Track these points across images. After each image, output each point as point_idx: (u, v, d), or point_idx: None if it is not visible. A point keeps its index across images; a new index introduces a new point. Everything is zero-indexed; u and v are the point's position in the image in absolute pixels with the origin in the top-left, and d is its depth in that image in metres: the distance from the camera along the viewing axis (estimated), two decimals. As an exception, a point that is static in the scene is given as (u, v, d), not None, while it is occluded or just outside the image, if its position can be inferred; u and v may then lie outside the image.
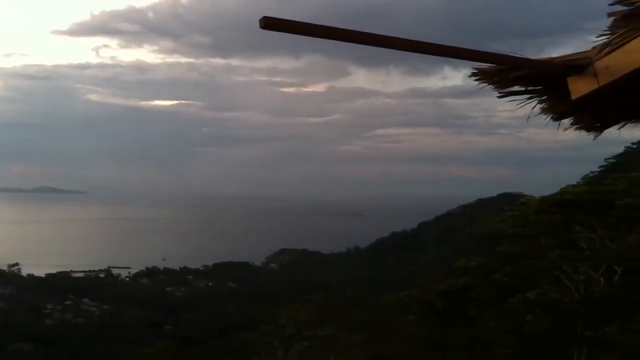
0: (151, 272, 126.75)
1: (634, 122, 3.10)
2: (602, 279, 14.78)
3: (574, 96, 2.62)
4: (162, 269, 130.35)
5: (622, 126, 3.11)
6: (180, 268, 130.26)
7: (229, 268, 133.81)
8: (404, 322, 18.60)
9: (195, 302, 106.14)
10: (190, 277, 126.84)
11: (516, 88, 2.87)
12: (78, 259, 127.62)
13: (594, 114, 2.97)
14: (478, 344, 15.81)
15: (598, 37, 2.62)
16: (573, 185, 24.06)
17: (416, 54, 2.51)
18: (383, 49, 2.48)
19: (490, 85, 2.85)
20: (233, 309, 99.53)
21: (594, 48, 2.63)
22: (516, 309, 15.53)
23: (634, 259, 14.84)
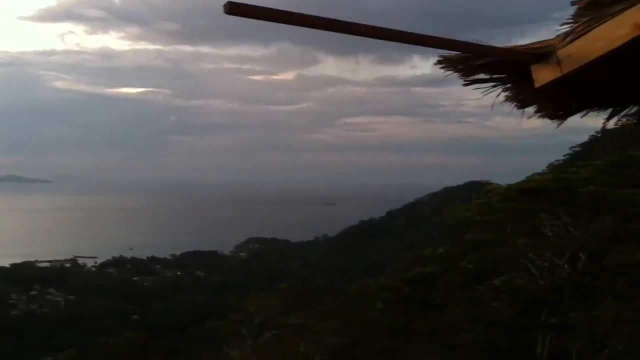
0: (118, 262, 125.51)
1: (596, 110, 3.13)
2: (566, 266, 15.01)
3: (537, 84, 2.63)
4: (129, 258, 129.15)
5: (585, 114, 3.14)
6: (147, 257, 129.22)
7: (197, 257, 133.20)
8: (372, 309, 18.69)
9: (163, 291, 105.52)
10: (158, 266, 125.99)
11: (481, 76, 2.88)
12: (43, 249, 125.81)
13: (557, 102, 2.99)
14: (444, 330, 15.98)
15: (562, 25, 2.63)
16: (538, 174, 24.33)
17: (385, 43, 2.51)
18: (352, 37, 2.46)
19: (456, 73, 2.86)
20: (201, 299, 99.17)
21: (557, 36, 2.64)
22: (482, 296, 15.71)
23: (597, 245, 15.10)
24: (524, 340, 16.47)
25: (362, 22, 2.46)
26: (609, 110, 3.16)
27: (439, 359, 17.30)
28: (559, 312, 14.69)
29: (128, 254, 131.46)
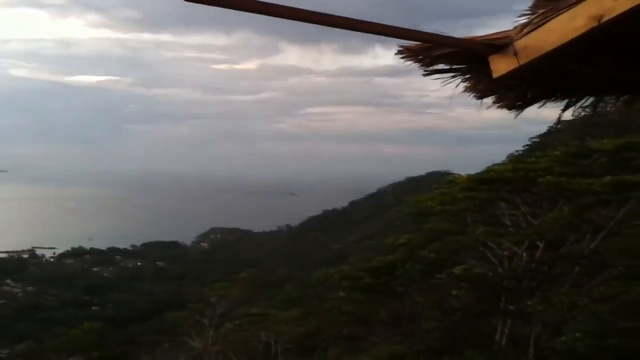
0: (77, 253, 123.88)
1: (553, 100, 3.19)
2: (524, 254, 15.26)
3: (495, 75, 2.67)
4: (88, 249, 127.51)
5: (542, 105, 3.19)
6: (107, 248, 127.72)
7: (158, 248, 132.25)
8: (334, 298, 18.79)
9: (123, 282, 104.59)
10: (117, 257, 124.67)
11: (441, 66, 2.90)
12: (0, 240, 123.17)
13: (514, 93, 3.03)
14: (405, 318, 16.13)
15: (519, 16, 2.67)
16: (498, 164, 24.64)
17: (347, 32, 2.51)
18: (314, 26, 2.46)
19: (416, 63, 2.88)
20: (162, 289, 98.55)
21: (515, 28, 2.68)
22: (443, 284, 15.89)
23: (554, 234, 15.40)
24: (483, 327, 16.74)
25: (323, 11, 2.45)
26: (566, 101, 3.21)
27: (399, 345, 17.48)
28: (517, 299, 14.94)
29: (87, 245, 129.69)
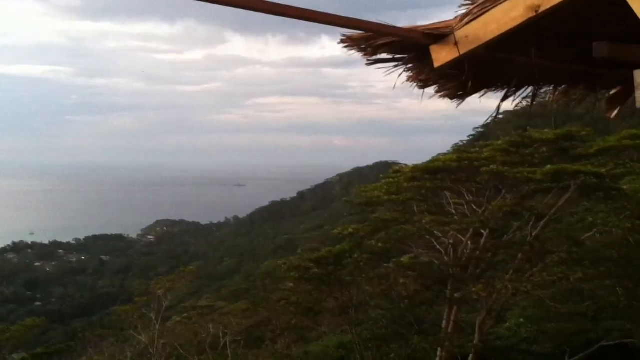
0: (18, 247, 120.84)
1: (494, 90, 3.24)
2: (469, 242, 15.52)
3: (436, 64, 2.69)
4: (29, 243, 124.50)
5: (483, 94, 3.24)
6: (50, 242, 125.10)
7: (102, 241, 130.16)
8: (282, 289, 18.78)
9: (66, 277, 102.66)
10: (61, 251, 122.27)
11: (383, 56, 2.91)
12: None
13: (456, 82, 3.07)
14: (353, 307, 16.25)
15: (460, 7, 2.70)
16: (444, 154, 25.00)
17: (293, 23, 2.52)
18: (260, 16, 2.44)
19: (359, 53, 2.88)
20: (107, 283, 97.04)
21: (455, 18, 2.70)
22: (390, 273, 16.04)
23: (497, 222, 15.71)
24: (429, 314, 16.99)
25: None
26: (505, 91, 3.27)
27: (347, 334, 17.60)
28: (462, 286, 15.20)
29: (29, 239, 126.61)
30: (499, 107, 3.35)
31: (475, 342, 15.01)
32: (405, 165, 20.49)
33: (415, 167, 17.16)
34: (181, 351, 19.98)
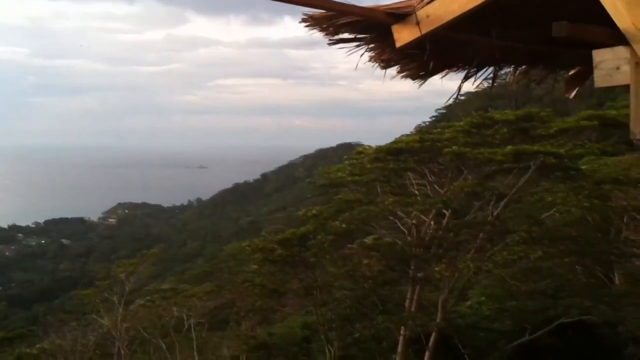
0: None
1: (455, 71, 3.24)
2: (432, 223, 15.65)
3: (398, 44, 2.67)
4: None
5: (445, 75, 3.24)
6: (8, 226, 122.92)
7: (62, 225, 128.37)
8: (246, 271, 18.77)
9: (26, 260, 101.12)
10: (20, 235, 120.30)
11: (345, 35, 2.88)
12: None
13: (417, 63, 3.06)
14: (317, 288, 16.32)
15: (422, -14, 2.67)
16: (407, 135, 25.13)
17: (255, 2, 2.45)
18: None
19: (321, 32, 2.84)
20: (67, 267, 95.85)
21: (417, -3, 2.68)
22: (354, 254, 16.12)
23: (459, 203, 15.88)
24: (392, 294, 17.15)
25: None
26: (466, 71, 3.27)
27: (312, 315, 17.70)
28: (425, 266, 15.34)
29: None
30: (460, 88, 3.36)
31: (437, 320, 15.22)
32: (369, 146, 20.55)
33: (379, 148, 17.21)
34: (145, 334, 19.87)
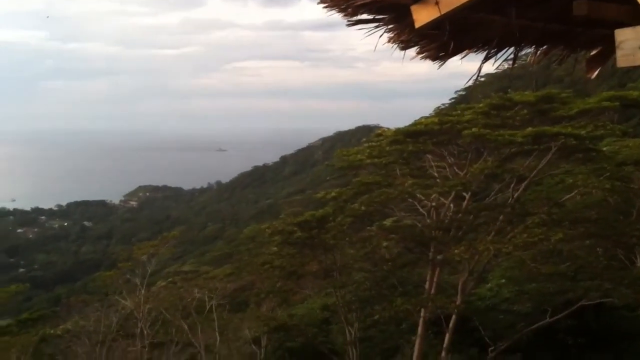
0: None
1: (475, 51, 3.23)
2: (451, 205, 15.63)
3: (417, 24, 2.66)
4: (11, 210, 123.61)
5: (465, 56, 3.23)
6: (31, 208, 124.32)
7: (84, 207, 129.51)
8: (266, 253, 18.88)
9: (49, 243, 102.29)
10: (43, 217, 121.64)
11: (364, 16, 2.88)
12: None
13: (437, 43, 3.05)
14: (336, 270, 16.38)
15: (441, -34, 2.66)
16: (425, 117, 25.03)
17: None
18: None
19: (339, 13, 2.85)
20: (89, 249, 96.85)
21: (437, -24, 2.67)
22: (373, 236, 16.14)
23: (479, 185, 15.83)
24: (411, 276, 17.20)
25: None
26: (486, 52, 3.26)
27: (331, 297, 17.79)
28: (444, 249, 15.34)
29: (10, 206, 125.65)
30: (480, 69, 3.34)
31: (457, 302, 15.24)
32: (388, 128, 20.51)
33: (397, 131, 17.18)
34: (167, 315, 20.10)
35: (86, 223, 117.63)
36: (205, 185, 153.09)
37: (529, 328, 15.50)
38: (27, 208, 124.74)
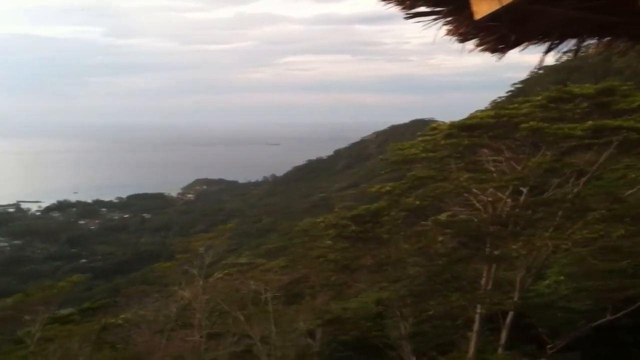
0: (62, 206, 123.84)
1: (535, 43, 3.19)
2: (508, 200, 15.41)
3: (476, 16, 2.65)
4: (73, 202, 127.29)
5: (524, 48, 3.19)
6: (92, 201, 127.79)
7: (143, 199, 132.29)
8: (320, 247, 18.97)
9: (109, 234, 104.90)
10: (103, 209, 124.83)
11: (422, 9, 2.87)
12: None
13: (497, 35, 3.03)
14: (390, 264, 16.35)
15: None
16: (481, 110, 24.66)
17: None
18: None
19: (397, 7, 2.85)
20: (148, 241, 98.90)
21: (498, -33, 2.65)
22: (427, 231, 16.04)
23: (537, 179, 15.56)
24: (467, 272, 17.03)
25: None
26: (548, 44, 3.21)
27: (385, 291, 17.76)
28: (501, 244, 15.15)
29: (72, 198, 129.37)
30: (541, 61, 3.30)
31: (514, 299, 15.05)
32: (442, 122, 20.31)
33: (452, 124, 16.99)
34: (224, 306, 20.40)
35: (145, 215, 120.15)
36: (260, 179, 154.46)
37: (588, 326, 15.19)
38: (89, 200, 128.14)
